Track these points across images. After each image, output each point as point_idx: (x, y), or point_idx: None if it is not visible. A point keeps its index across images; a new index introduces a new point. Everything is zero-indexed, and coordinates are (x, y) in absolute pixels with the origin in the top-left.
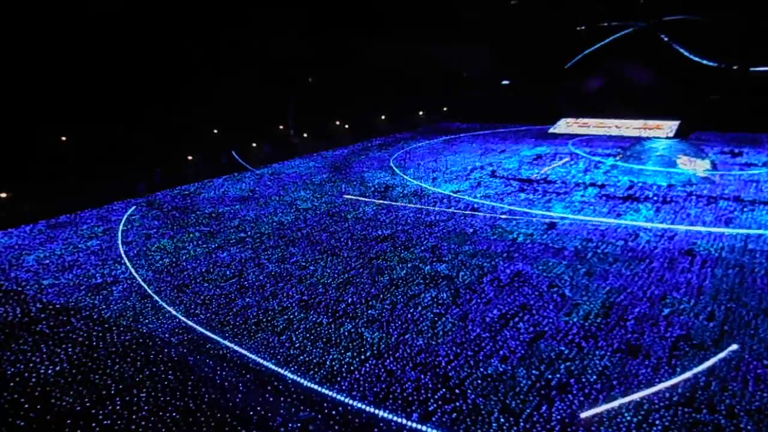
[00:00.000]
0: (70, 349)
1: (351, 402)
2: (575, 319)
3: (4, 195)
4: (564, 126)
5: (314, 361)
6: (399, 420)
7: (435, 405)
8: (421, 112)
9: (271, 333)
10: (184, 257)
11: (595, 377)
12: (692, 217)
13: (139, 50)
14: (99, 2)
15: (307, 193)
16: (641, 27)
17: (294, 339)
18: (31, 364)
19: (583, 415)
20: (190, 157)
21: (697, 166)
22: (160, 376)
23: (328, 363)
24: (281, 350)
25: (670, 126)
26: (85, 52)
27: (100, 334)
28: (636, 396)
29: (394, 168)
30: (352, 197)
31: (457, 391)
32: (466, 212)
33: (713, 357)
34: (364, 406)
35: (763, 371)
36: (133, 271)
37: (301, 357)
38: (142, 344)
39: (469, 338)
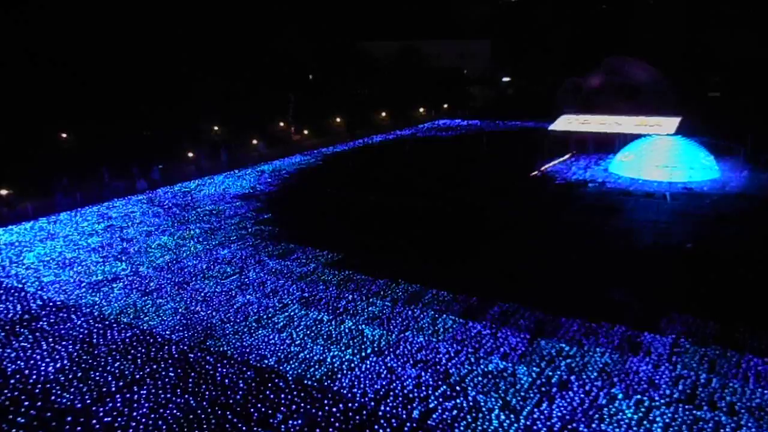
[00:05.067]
0: (70, 347)
1: (351, 399)
2: None
3: (4, 192)
4: (564, 123)
5: (315, 358)
6: (400, 418)
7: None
8: (422, 109)
9: (272, 330)
10: (184, 254)
11: None
12: None
13: (140, 50)
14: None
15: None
16: None
17: (294, 336)
18: (31, 362)
19: None
20: (190, 154)
21: None
22: (161, 374)
23: (328, 360)
24: (282, 347)
25: (670, 124)
26: (84, 52)
27: (101, 331)
28: None
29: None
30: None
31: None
32: None
33: None
34: (365, 403)
35: None
36: (134, 268)
37: (302, 354)
38: (142, 342)
39: None
